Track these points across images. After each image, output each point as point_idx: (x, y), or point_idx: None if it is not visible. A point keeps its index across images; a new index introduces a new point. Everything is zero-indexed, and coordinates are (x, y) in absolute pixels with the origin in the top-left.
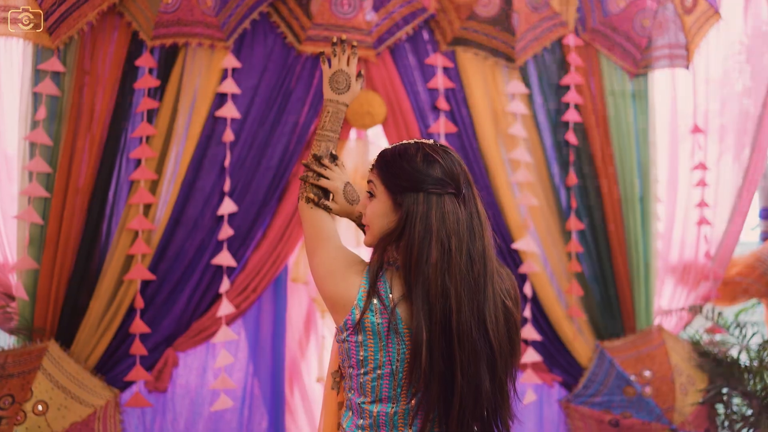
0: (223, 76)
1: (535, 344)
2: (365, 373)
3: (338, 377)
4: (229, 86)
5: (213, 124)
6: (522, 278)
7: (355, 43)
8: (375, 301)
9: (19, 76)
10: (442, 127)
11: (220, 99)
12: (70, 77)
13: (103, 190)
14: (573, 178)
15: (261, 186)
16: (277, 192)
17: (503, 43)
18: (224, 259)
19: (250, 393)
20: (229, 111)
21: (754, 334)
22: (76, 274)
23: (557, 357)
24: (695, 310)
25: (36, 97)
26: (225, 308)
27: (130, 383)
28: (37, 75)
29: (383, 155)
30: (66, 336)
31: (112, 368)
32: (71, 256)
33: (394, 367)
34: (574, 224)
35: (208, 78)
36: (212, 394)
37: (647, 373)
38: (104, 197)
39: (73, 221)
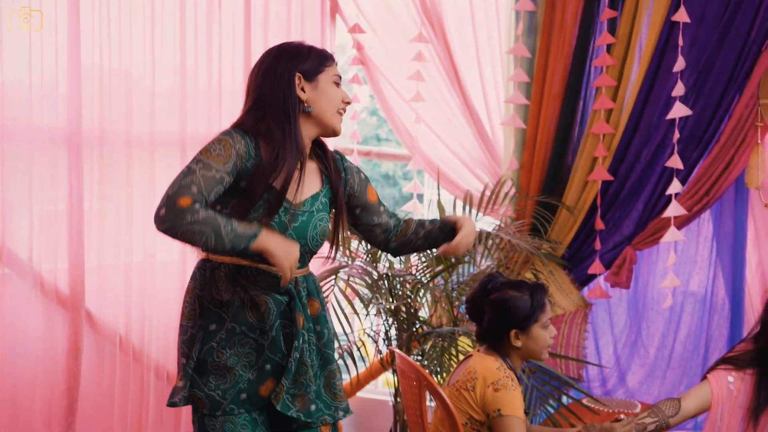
0: None
1: None
2: None
3: None
4: None
5: (669, 29)
6: None
7: None
8: None
9: None
10: None
11: (676, 4)
12: None
13: (573, 96)
14: None
15: (715, 90)
16: (729, 93)
17: None
18: (674, 162)
19: (710, 296)
20: (682, 16)
21: None
22: (549, 173)
23: None
24: None
25: (516, 14)
26: (674, 210)
27: (593, 276)
28: None
29: None
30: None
31: (578, 263)
32: (547, 156)
33: None
34: None
35: None
36: (663, 293)
37: None
38: (575, 103)
39: (548, 125)
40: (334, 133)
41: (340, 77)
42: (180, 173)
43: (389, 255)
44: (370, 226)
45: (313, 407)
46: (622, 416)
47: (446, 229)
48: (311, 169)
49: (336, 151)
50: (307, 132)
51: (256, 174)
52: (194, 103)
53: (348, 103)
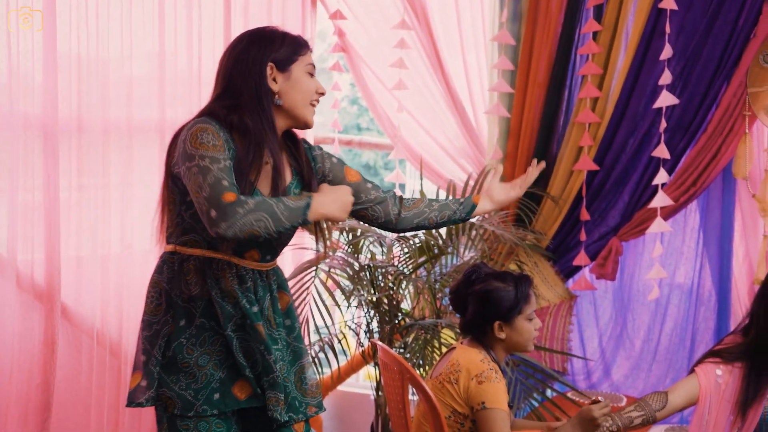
0: None
1: None
2: None
3: None
4: None
5: (656, 17)
6: None
7: None
8: None
9: None
10: None
11: None
12: None
13: (558, 84)
14: None
15: (702, 78)
16: (717, 82)
17: None
18: (661, 151)
19: (697, 288)
20: (669, 3)
21: None
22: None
23: None
24: None
25: (500, 0)
26: (660, 200)
27: (578, 268)
28: None
29: None
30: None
31: (562, 254)
32: (531, 146)
33: None
34: None
35: None
36: (650, 284)
37: None
38: (560, 92)
39: (533, 114)
40: (306, 126)
41: (314, 66)
42: (196, 176)
43: (388, 235)
44: (364, 206)
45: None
46: (600, 398)
47: (465, 204)
48: (282, 161)
49: (304, 140)
50: (279, 124)
51: (236, 170)
52: (173, 90)
53: (322, 94)
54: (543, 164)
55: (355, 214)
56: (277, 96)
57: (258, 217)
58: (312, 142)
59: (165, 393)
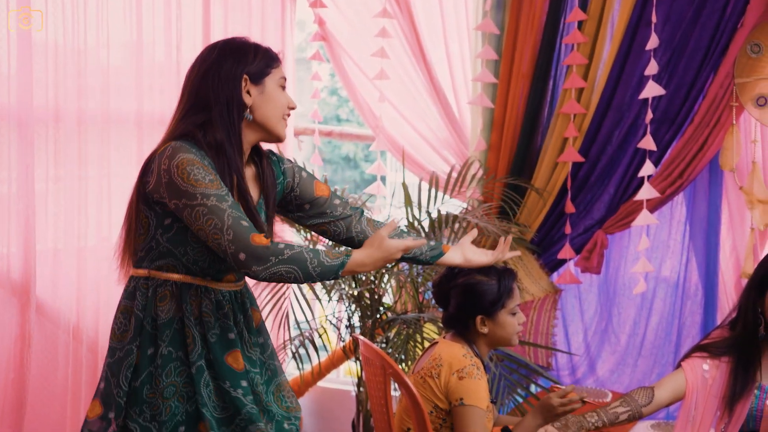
0: None
1: None
2: None
3: None
4: None
5: (642, 6)
6: None
7: None
8: None
9: None
10: None
11: None
12: None
13: (543, 75)
14: None
15: (689, 69)
16: (704, 72)
17: None
18: (647, 143)
19: (683, 281)
20: None
21: None
22: (518, 154)
23: None
24: None
25: None
26: (646, 192)
27: (563, 261)
28: None
29: None
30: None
31: (547, 248)
32: (516, 137)
33: None
34: None
35: None
36: (635, 278)
37: None
38: (545, 82)
39: (517, 105)
40: (278, 140)
41: (286, 80)
42: (207, 218)
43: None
44: (326, 221)
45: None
46: (582, 397)
47: (435, 248)
48: (249, 176)
49: (272, 152)
50: (248, 138)
51: None
52: (151, 81)
53: (293, 108)
54: (510, 238)
55: (316, 228)
56: (248, 110)
57: (289, 269)
58: (292, 133)
59: (128, 425)
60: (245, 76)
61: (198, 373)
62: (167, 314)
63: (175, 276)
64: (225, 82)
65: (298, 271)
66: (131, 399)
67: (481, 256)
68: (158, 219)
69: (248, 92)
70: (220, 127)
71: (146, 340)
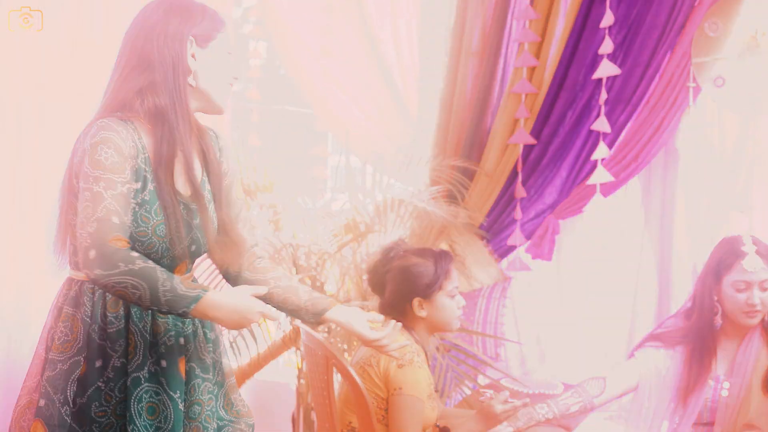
0: None
1: None
2: None
3: None
4: None
5: None
6: None
7: None
8: None
9: None
10: None
11: None
12: None
13: (493, 53)
14: None
15: (645, 47)
16: (660, 51)
17: None
18: (601, 124)
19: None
20: None
21: None
22: (467, 136)
23: None
24: None
25: None
26: (600, 176)
27: (512, 248)
28: None
29: None
30: None
31: (496, 233)
32: (465, 117)
33: None
34: None
35: None
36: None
37: None
38: (495, 60)
39: (466, 84)
40: (219, 111)
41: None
42: (85, 202)
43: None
44: (228, 228)
45: None
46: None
47: (320, 302)
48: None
49: (210, 129)
50: (191, 107)
51: (154, 171)
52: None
53: (236, 78)
54: (400, 324)
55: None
56: (192, 76)
57: (136, 284)
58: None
59: None
60: (191, 38)
61: (135, 383)
62: (120, 321)
63: None
64: (172, 41)
65: (146, 289)
66: (78, 418)
67: (369, 333)
68: None
69: (193, 56)
70: (164, 90)
71: (92, 352)
